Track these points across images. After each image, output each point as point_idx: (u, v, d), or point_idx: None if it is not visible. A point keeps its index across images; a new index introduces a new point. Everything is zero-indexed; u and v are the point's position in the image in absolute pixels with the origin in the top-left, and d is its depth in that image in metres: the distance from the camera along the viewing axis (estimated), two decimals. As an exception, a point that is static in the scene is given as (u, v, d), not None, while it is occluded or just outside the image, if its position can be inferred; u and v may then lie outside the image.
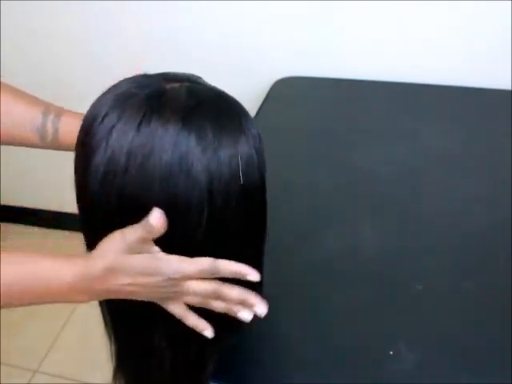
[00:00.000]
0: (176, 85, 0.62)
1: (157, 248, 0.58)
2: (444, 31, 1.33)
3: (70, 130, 0.71)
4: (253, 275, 0.61)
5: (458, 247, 0.91)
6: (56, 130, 0.74)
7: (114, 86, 0.62)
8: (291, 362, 0.73)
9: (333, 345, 0.76)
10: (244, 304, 0.63)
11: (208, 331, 0.62)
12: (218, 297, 0.62)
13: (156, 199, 0.56)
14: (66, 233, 1.89)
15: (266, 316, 0.63)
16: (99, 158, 0.57)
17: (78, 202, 0.62)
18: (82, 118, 0.62)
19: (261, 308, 0.63)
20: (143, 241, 0.57)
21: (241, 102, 0.68)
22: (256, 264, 0.63)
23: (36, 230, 2.02)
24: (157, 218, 0.56)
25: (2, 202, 2.05)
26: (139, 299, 0.61)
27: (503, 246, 0.89)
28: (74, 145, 0.63)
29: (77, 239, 0.70)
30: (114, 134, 0.56)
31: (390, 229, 0.95)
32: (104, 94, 0.61)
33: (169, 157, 0.56)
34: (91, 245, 0.61)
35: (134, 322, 0.68)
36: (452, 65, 1.36)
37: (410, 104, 1.31)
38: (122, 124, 0.56)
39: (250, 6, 1.40)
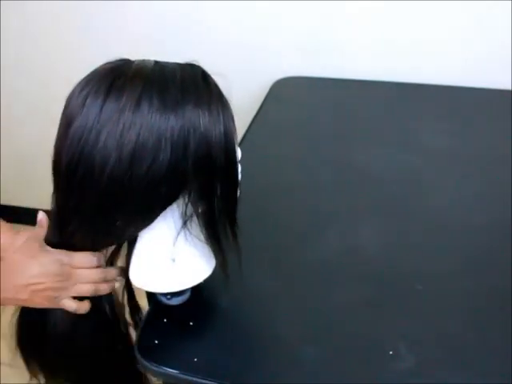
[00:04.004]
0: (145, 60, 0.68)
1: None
2: (444, 31, 1.33)
3: None
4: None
5: (458, 247, 0.91)
6: None
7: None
8: (290, 362, 0.73)
9: (333, 345, 0.76)
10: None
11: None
12: (104, 279, 0.73)
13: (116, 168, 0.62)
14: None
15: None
16: (74, 128, 0.63)
17: (53, 172, 0.69)
18: None
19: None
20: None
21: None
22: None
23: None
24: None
25: (2, 202, 2.05)
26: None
27: (503, 246, 0.89)
28: None
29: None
30: (85, 108, 0.63)
31: (390, 229, 0.95)
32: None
33: (129, 121, 0.61)
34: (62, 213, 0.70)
35: None
36: (452, 65, 1.36)
37: (410, 104, 1.31)
38: (92, 95, 0.63)
39: (250, 6, 1.40)
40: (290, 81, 1.43)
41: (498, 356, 0.73)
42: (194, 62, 0.70)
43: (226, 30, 1.46)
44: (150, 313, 0.80)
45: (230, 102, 0.69)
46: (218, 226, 0.71)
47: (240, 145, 1.17)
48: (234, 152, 0.69)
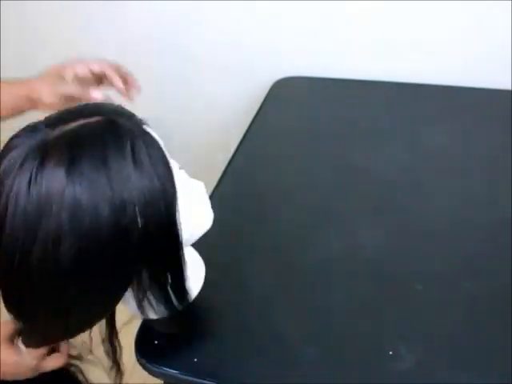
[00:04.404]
0: (57, 133, 0.58)
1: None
2: (444, 31, 1.33)
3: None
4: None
5: (458, 247, 0.91)
6: None
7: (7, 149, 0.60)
8: (290, 362, 0.73)
9: (332, 345, 0.76)
10: None
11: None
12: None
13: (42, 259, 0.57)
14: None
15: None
16: (5, 227, 0.56)
17: None
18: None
19: None
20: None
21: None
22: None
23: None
24: None
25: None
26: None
27: (503, 246, 0.89)
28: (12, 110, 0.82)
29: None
30: (11, 201, 0.56)
31: (389, 229, 0.95)
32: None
33: (58, 216, 0.55)
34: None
35: None
36: (452, 65, 1.36)
37: (410, 104, 1.31)
38: (16, 190, 0.56)
39: (250, 6, 1.40)
40: (290, 81, 1.43)
41: (498, 356, 0.73)
42: (110, 104, 0.65)
43: (225, 30, 1.46)
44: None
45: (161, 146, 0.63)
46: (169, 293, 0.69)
47: (240, 145, 1.17)
48: (176, 228, 0.64)
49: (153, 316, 0.73)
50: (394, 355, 0.73)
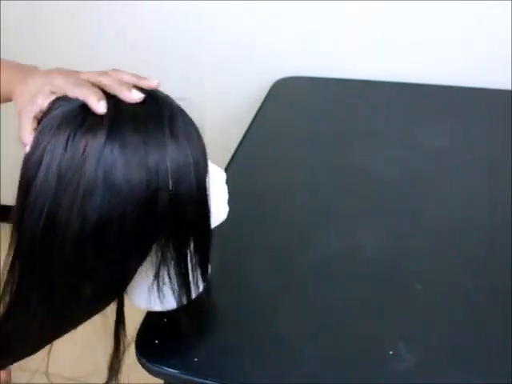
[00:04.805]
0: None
1: None
2: (444, 31, 1.33)
3: None
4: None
5: (458, 247, 0.91)
6: None
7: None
8: (290, 362, 0.73)
9: (333, 345, 0.76)
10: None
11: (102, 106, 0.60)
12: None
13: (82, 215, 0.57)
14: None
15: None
16: (33, 194, 0.59)
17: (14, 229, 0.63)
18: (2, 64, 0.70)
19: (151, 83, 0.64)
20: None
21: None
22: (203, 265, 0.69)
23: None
24: None
25: (2, 202, 2.05)
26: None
27: (503, 246, 0.89)
28: (8, 94, 0.70)
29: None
30: (46, 156, 0.58)
31: (389, 229, 0.95)
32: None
33: (93, 172, 0.57)
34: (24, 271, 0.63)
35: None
36: (452, 65, 1.37)
37: (410, 104, 1.31)
38: (52, 146, 0.58)
39: (250, 6, 1.40)
40: (290, 81, 1.43)
41: (498, 356, 0.73)
42: (159, 92, 0.64)
43: (226, 30, 1.46)
44: (150, 313, 0.80)
45: (201, 132, 0.65)
46: (190, 271, 0.69)
47: (240, 145, 1.17)
48: (207, 203, 0.66)
49: (159, 307, 0.72)
50: (394, 355, 0.73)
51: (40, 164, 0.58)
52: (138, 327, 0.79)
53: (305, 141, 1.21)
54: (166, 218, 0.61)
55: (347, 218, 0.98)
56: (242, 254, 0.91)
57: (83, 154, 0.57)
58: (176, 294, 0.69)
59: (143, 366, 0.75)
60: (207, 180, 0.64)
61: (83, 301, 0.65)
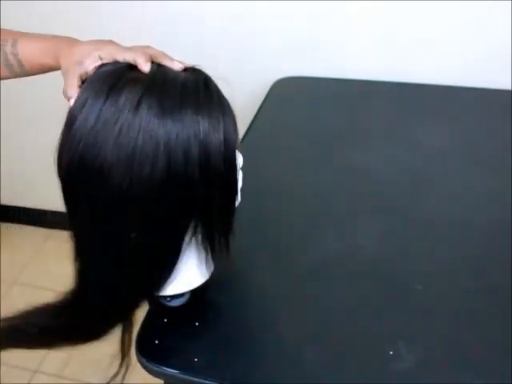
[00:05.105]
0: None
1: None
2: (444, 31, 1.33)
3: (32, 53, 0.77)
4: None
5: (458, 247, 0.91)
6: (19, 60, 0.77)
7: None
8: (290, 362, 0.73)
9: (333, 345, 0.76)
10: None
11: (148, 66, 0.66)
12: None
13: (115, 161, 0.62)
14: (67, 233, 1.89)
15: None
16: (74, 129, 0.63)
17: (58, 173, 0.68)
18: (39, 38, 0.76)
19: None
20: None
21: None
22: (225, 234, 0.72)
23: (36, 229, 2.02)
24: None
25: (2, 202, 2.05)
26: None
27: (503, 246, 0.89)
28: (42, 66, 0.75)
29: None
30: (87, 107, 0.63)
31: (389, 229, 0.95)
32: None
33: (130, 118, 0.61)
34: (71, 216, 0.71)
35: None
36: (452, 65, 1.36)
37: (409, 104, 1.31)
38: (92, 97, 0.63)
39: (250, 6, 1.40)
40: (290, 81, 1.43)
41: (497, 356, 0.73)
42: (197, 67, 0.69)
43: (226, 30, 1.46)
44: (149, 313, 0.80)
45: (232, 107, 0.69)
46: (214, 234, 0.71)
47: (240, 144, 1.17)
48: (234, 161, 0.68)
49: (207, 275, 0.76)
50: (394, 355, 0.73)
51: (81, 111, 0.63)
52: (137, 327, 0.79)
53: (305, 141, 1.21)
54: (196, 167, 0.64)
55: (347, 218, 0.98)
56: (241, 253, 0.91)
57: (122, 104, 0.61)
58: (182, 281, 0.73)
59: (143, 365, 0.75)
60: (237, 143, 0.69)
61: (122, 274, 0.70)
